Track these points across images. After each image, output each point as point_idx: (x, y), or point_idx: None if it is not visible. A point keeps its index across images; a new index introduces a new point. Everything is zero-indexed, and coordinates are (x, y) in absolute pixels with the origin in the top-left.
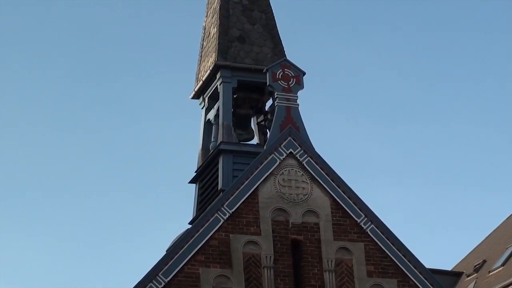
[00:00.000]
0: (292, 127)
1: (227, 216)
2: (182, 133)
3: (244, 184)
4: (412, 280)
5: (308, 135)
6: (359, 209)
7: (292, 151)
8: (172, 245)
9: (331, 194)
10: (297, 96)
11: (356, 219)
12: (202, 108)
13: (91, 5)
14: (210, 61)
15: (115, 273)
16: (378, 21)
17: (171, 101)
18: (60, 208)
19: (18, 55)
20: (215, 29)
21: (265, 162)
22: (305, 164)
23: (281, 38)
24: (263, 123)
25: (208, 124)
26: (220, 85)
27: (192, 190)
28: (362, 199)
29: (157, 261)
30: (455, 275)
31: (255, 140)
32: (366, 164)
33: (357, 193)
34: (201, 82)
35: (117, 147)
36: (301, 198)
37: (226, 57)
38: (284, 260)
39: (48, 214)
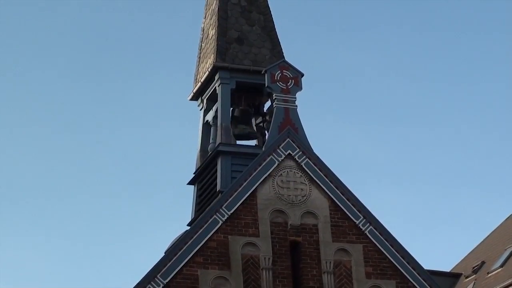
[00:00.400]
0: (291, 128)
1: (225, 218)
2: (180, 135)
3: (243, 186)
4: (411, 282)
5: (307, 136)
6: (357, 210)
7: (291, 153)
8: (170, 247)
9: (329, 196)
10: (295, 98)
11: (355, 220)
12: (201, 110)
13: (90, 6)
14: (208, 63)
15: (114, 274)
16: (376, 22)
17: (169, 103)
18: (60, 208)
19: (18, 55)
20: (214, 30)
21: (263, 164)
22: (303, 166)
23: (279, 39)
24: (261, 124)
25: (206, 125)
26: (218, 86)
27: (190, 192)
28: (361, 200)
29: (156, 262)
30: (453, 276)
31: (254, 141)
32: (365, 166)
33: (355, 194)
34: (199, 84)
35: (116, 148)
36: (300, 199)
37: (224, 58)
38: (282, 261)
39: (48, 215)
